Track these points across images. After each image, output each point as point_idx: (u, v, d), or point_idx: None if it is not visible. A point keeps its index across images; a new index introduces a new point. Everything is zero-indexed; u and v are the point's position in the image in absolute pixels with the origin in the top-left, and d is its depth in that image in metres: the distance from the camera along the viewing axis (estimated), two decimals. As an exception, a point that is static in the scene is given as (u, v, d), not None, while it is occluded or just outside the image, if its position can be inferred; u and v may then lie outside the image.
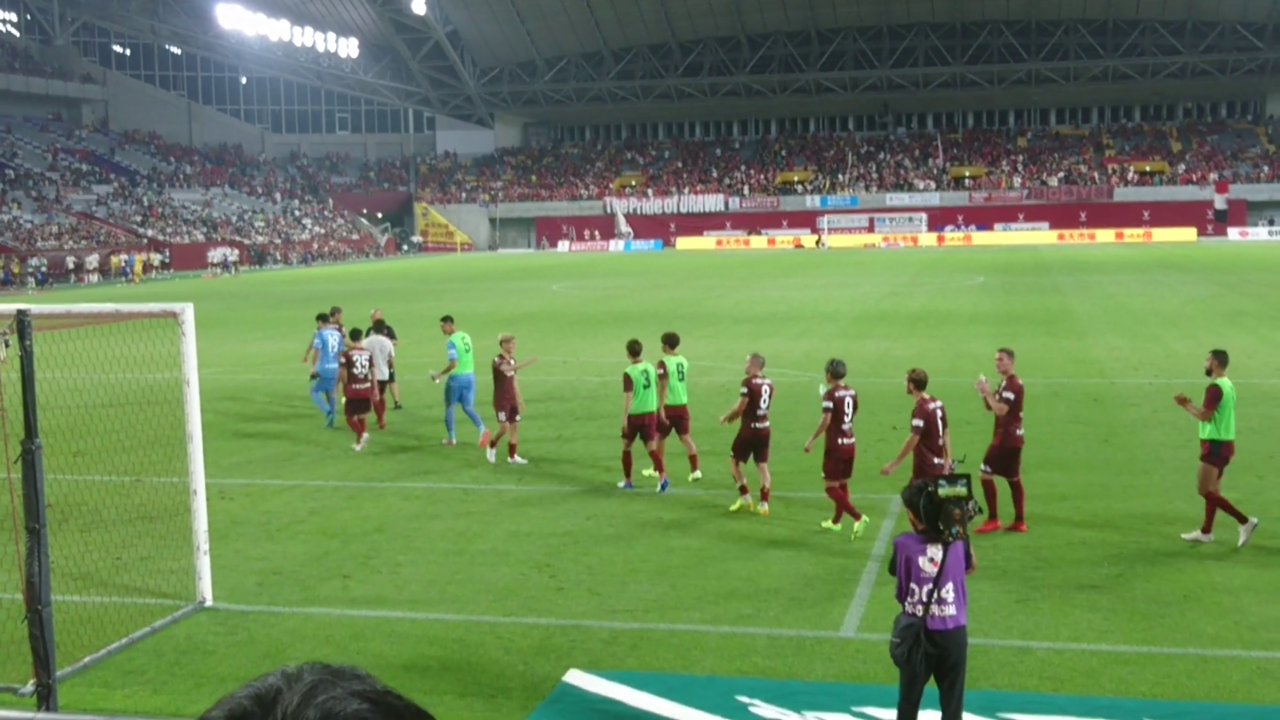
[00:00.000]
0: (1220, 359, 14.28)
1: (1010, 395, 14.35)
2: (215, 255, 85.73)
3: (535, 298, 51.45)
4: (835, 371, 14.50)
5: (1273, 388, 22.63)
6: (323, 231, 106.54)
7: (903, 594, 8.21)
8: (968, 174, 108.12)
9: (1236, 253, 75.74)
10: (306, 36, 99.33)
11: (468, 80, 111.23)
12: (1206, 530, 13.75)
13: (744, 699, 9.58)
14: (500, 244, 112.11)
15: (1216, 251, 77.98)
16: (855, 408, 14.42)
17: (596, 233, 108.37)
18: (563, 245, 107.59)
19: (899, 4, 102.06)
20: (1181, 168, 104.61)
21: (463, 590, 12.42)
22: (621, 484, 16.62)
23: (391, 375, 22.59)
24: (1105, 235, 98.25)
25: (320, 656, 10.57)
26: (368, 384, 19.96)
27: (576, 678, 10.00)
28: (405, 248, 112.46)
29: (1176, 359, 28.12)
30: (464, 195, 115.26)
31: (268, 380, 27.37)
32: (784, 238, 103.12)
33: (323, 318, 23.21)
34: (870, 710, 9.33)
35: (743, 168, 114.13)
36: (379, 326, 23.37)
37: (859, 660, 10.33)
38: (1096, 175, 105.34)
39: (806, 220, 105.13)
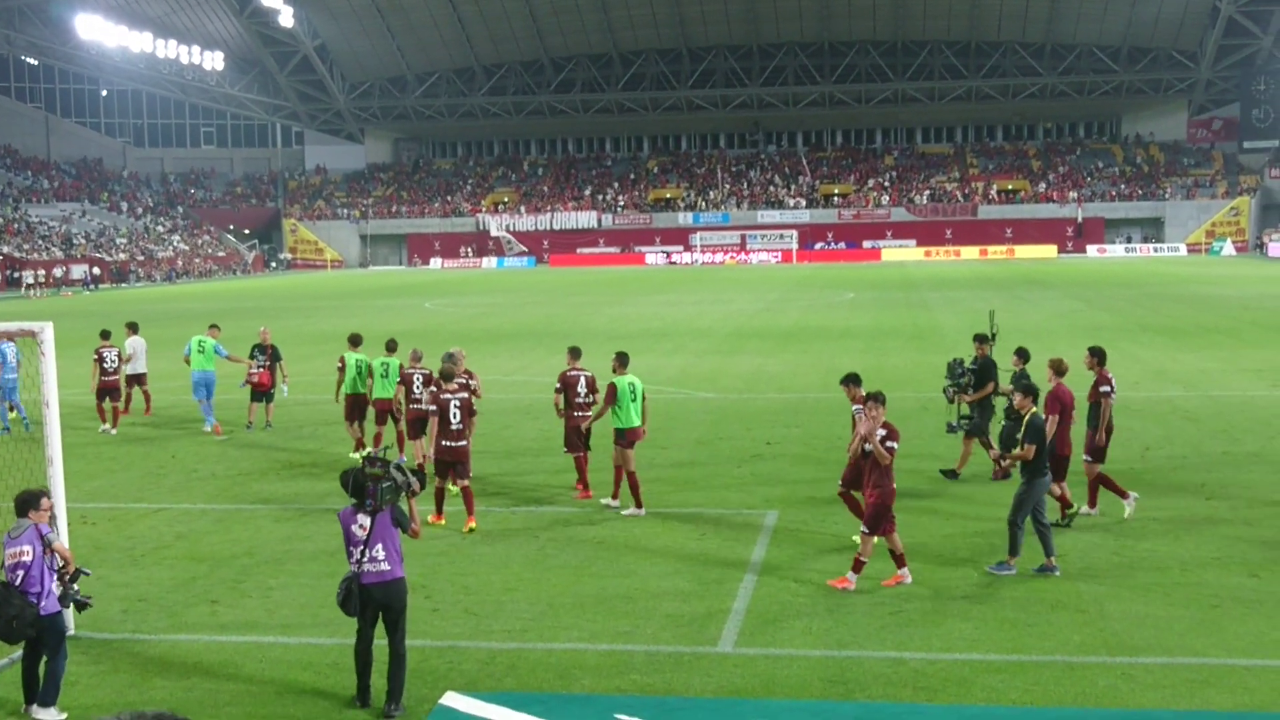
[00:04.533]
0: (621, 360, 16.47)
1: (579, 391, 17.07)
2: (30, 276, 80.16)
3: (408, 315, 50.93)
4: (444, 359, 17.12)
5: (1130, 399, 23.35)
6: (187, 248, 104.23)
7: (348, 556, 9.87)
8: (837, 191, 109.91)
9: (1095, 269, 78.09)
10: (170, 49, 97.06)
11: (337, 94, 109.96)
12: (639, 506, 15.73)
13: (623, 717, 9.55)
14: (371, 261, 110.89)
15: (1076, 268, 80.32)
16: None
17: (470, 249, 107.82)
18: (435, 262, 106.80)
19: (768, 23, 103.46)
20: (1042, 186, 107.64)
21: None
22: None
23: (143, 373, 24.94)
24: (970, 252, 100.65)
25: (189, 685, 10.32)
26: (116, 376, 23.83)
27: (453, 700, 9.89)
28: (274, 265, 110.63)
29: (1040, 372, 28.80)
30: (334, 211, 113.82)
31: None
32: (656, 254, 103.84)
33: None
34: (748, 725, 9.36)
35: (615, 185, 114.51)
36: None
37: (737, 675, 10.36)
38: (960, 193, 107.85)
39: (680, 237, 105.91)
